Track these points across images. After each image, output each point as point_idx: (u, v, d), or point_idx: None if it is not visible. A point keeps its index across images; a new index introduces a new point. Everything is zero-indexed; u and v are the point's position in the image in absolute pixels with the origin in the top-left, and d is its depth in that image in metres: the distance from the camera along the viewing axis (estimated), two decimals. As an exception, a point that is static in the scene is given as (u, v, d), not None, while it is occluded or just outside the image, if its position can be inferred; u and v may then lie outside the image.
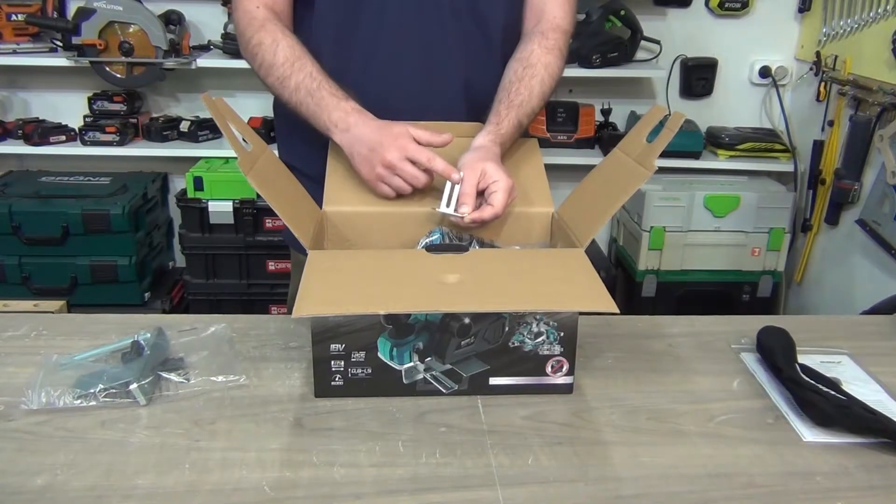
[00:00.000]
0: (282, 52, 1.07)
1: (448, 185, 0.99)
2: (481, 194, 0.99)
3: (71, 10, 2.34)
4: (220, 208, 2.30)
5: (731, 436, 0.79)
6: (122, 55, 2.25)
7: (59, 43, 2.30)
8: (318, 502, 0.68)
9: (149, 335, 0.91)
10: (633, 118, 2.53)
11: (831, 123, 2.23)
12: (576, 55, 2.28)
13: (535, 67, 1.11)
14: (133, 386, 0.81)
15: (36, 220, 2.22)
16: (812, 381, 0.84)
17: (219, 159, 2.38)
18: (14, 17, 2.28)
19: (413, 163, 0.99)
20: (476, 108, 1.14)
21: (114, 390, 0.81)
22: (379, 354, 0.81)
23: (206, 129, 2.40)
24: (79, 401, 0.80)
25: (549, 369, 0.83)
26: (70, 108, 2.47)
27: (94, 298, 2.28)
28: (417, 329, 0.80)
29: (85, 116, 2.41)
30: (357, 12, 1.10)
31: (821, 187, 2.28)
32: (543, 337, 0.81)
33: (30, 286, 2.28)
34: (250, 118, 2.37)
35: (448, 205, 0.99)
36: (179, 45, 2.28)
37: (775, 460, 0.75)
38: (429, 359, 0.82)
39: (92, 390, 0.81)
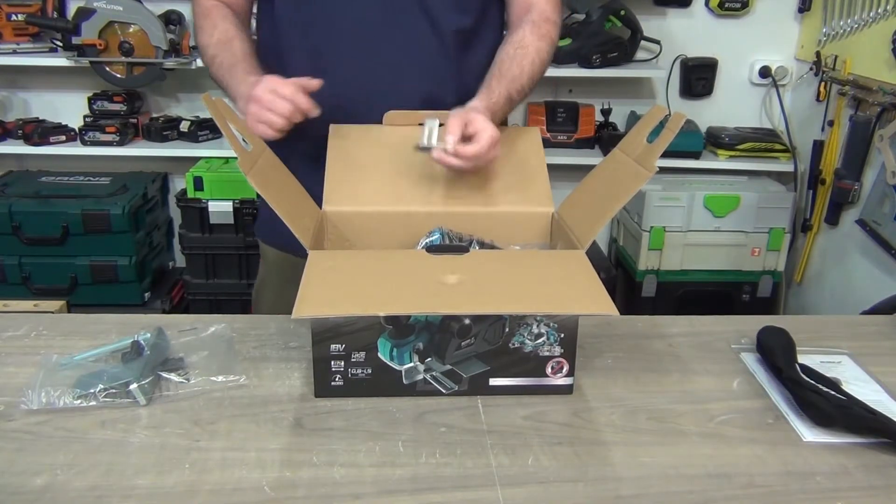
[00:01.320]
0: (216, 35, 1.11)
1: (426, 125, 0.99)
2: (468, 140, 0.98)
3: (71, 10, 2.34)
4: (220, 208, 2.30)
5: (731, 436, 0.79)
6: (122, 55, 2.25)
7: (59, 43, 2.30)
8: (318, 502, 0.68)
9: (149, 335, 0.91)
10: (633, 118, 2.53)
11: (831, 123, 2.23)
12: (576, 55, 2.28)
13: (526, 49, 1.12)
14: (133, 386, 0.81)
15: (36, 220, 2.22)
16: (812, 381, 0.84)
17: (219, 159, 2.38)
18: (14, 17, 2.27)
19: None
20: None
21: (114, 390, 0.81)
22: (379, 355, 0.81)
23: (206, 129, 2.40)
24: (79, 401, 0.80)
25: (549, 370, 0.83)
26: (70, 108, 2.47)
27: (94, 298, 2.28)
28: (418, 329, 0.80)
29: (85, 116, 2.41)
30: (311, 20, 1.11)
31: (821, 187, 2.28)
32: (544, 338, 0.81)
33: (30, 286, 2.28)
34: (250, 118, 2.36)
35: (427, 142, 0.98)
36: (179, 45, 2.28)
37: (775, 460, 0.75)
38: (429, 359, 0.82)
39: (92, 390, 0.81)
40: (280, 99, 0.98)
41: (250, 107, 1.00)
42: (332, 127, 1.08)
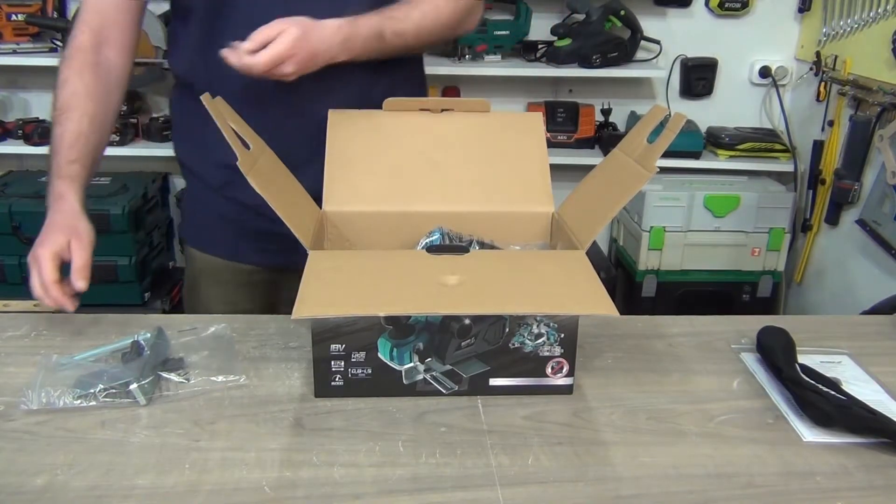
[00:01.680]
0: (61, 97, 1.02)
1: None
2: None
3: (71, 10, 2.34)
4: (220, 208, 2.30)
5: (731, 436, 0.79)
6: (122, 55, 2.25)
7: (59, 43, 2.30)
8: (318, 502, 0.68)
9: (149, 335, 0.91)
10: (633, 118, 2.53)
11: (831, 123, 2.23)
12: (576, 55, 2.28)
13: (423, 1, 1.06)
14: (133, 386, 0.81)
15: (36, 220, 2.17)
16: (812, 381, 0.84)
17: (219, 159, 2.38)
18: (14, 17, 2.27)
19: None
20: None
21: (114, 390, 0.81)
22: (379, 355, 0.81)
23: (206, 129, 2.39)
24: (79, 401, 0.80)
25: (549, 370, 0.83)
26: (70, 108, 2.47)
27: (94, 298, 2.25)
28: (418, 330, 0.80)
29: (85, 116, 2.41)
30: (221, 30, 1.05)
31: (821, 187, 2.28)
32: (544, 338, 0.81)
33: (30, 286, 2.27)
34: (250, 118, 2.36)
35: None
36: (179, 45, 2.28)
37: (775, 460, 0.75)
38: (429, 359, 0.82)
39: (92, 390, 0.81)
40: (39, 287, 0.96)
41: (29, 259, 0.98)
42: (331, 113, 1.07)
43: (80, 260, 0.96)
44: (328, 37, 0.98)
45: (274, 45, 0.93)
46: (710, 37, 2.47)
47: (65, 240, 0.97)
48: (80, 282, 0.95)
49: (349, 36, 1.00)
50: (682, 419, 0.82)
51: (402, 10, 1.05)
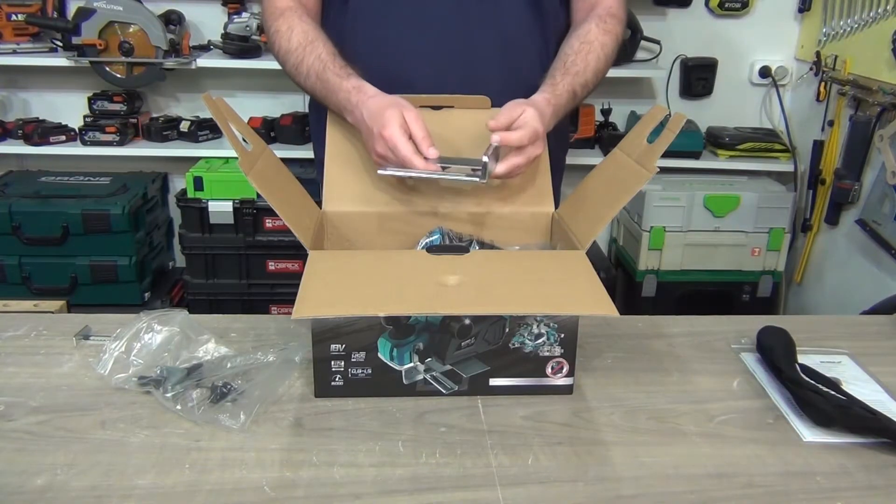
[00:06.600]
0: (295, 38, 1.08)
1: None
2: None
3: (71, 10, 2.34)
4: (220, 208, 2.30)
5: (731, 436, 0.79)
6: (122, 55, 2.25)
7: (59, 43, 2.30)
8: (317, 502, 0.68)
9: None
10: (633, 118, 2.53)
11: (831, 123, 2.23)
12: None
13: (592, 44, 1.11)
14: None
15: (36, 220, 2.22)
16: (812, 381, 0.84)
17: (219, 159, 2.38)
18: (14, 17, 2.27)
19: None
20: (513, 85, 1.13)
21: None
22: (379, 355, 0.81)
23: (206, 129, 2.40)
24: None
25: (549, 370, 0.83)
26: (70, 108, 2.47)
27: (94, 298, 2.28)
28: (418, 330, 0.80)
29: (85, 116, 2.41)
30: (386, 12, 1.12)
31: (821, 187, 2.28)
32: (544, 338, 0.81)
33: (30, 286, 2.28)
34: (250, 118, 2.36)
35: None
36: (179, 45, 2.28)
37: (775, 460, 0.75)
38: (429, 359, 0.82)
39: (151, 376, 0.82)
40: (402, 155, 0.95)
41: (375, 158, 0.99)
42: (329, 114, 1.07)
43: (421, 130, 0.96)
44: (546, 116, 1.02)
45: (531, 130, 0.97)
46: (709, 37, 2.47)
47: (400, 113, 0.96)
48: (431, 149, 0.96)
49: (556, 108, 1.05)
50: (682, 419, 0.82)
51: (579, 61, 1.10)
